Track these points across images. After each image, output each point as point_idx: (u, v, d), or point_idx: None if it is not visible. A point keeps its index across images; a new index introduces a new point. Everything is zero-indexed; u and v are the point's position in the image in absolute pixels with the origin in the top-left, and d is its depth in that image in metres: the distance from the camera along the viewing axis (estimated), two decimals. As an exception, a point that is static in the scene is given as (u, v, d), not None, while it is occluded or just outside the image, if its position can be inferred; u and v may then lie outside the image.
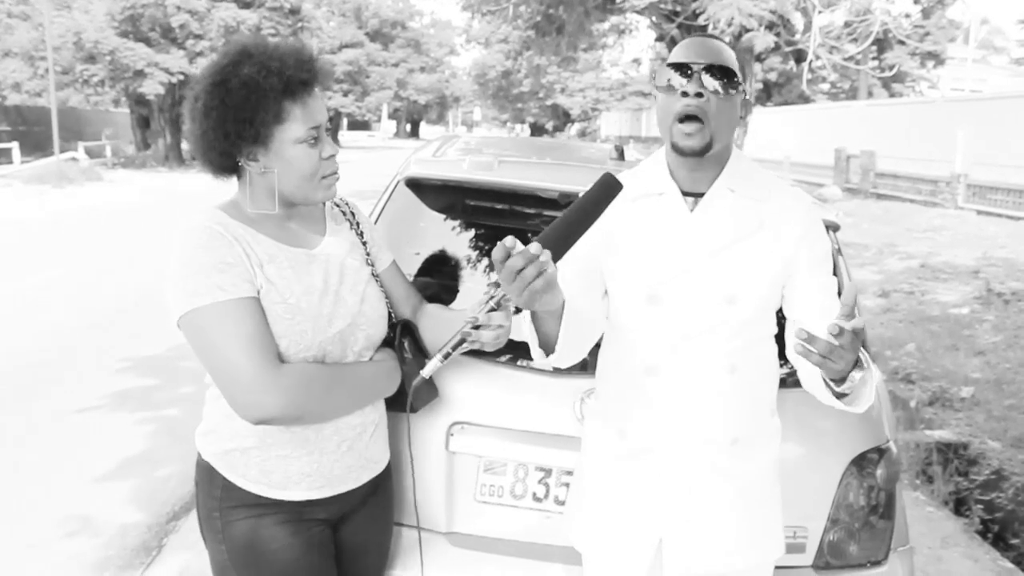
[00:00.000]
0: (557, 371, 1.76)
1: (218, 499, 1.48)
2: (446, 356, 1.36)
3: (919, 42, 25.98)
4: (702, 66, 1.38)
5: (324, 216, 1.60)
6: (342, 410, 1.50)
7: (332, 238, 1.56)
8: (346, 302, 1.50)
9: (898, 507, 1.86)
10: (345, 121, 54.83)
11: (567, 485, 1.82)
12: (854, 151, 20.34)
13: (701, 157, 1.41)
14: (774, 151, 23.42)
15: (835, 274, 1.55)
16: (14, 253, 9.32)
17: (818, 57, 16.73)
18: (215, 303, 1.34)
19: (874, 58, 28.83)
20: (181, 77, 23.39)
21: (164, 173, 22.83)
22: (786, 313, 1.50)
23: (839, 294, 1.46)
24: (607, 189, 1.26)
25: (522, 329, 1.41)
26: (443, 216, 2.22)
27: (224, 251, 1.38)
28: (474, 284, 2.12)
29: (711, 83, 1.38)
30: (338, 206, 1.66)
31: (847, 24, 16.87)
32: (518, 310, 1.37)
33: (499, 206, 2.18)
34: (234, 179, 1.49)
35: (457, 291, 2.11)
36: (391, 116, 63.59)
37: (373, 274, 1.61)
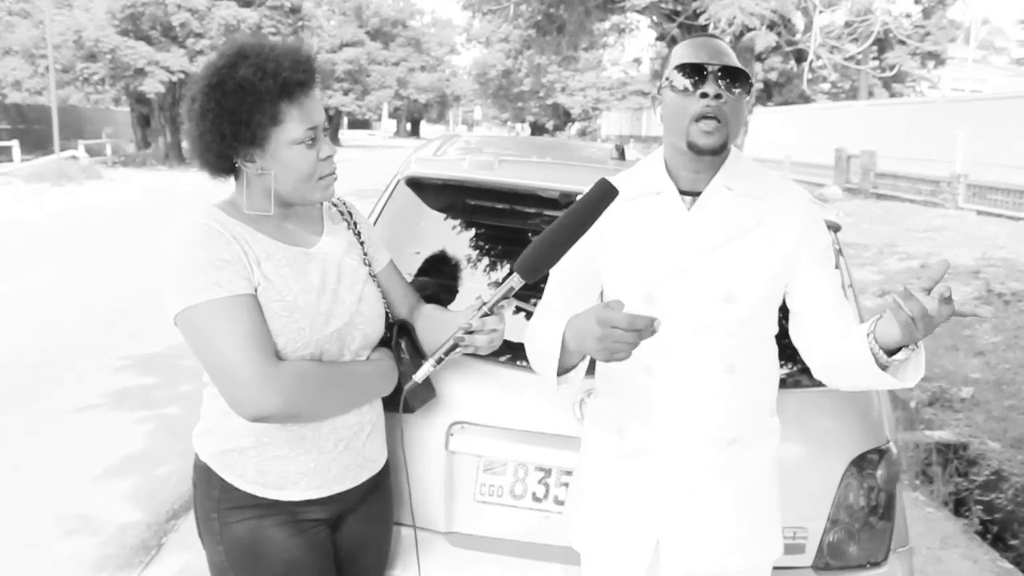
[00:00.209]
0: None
1: (216, 500, 1.48)
2: (439, 361, 1.36)
3: (920, 42, 25.98)
4: (717, 67, 1.39)
5: (321, 215, 1.59)
6: (339, 409, 1.49)
7: (329, 237, 1.56)
8: (344, 301, 1.50)
9: (898, 508, 1.86)
10: (345, 120, 54.87)
11: (567, 485, 1.82)
12: (854, 151, 20.33)
13: (717, 156, 1.42)
14: (774, 151, 23.42)
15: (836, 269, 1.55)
16: (14, 252, 9.32)
17: (819, 57, 16.74)
18: (212, 300, 1.34)
19: (875, 58, 28.82)
20: (182, 76, 23.43)
21: (164, 172, 22.83)
22: (791, 307, 1.50)
23: (842, 290, 1.46)
24: (603, 195, 1.27)
25: (538, 358, 1.42)
26: (443, 215, 2.22)
27: (221, 248, 1.37)
28: (474, 284, 2.12)
29: (727, 84, 1.39)
30: (335, 206, 1.66)
31: (848, 24, 16.89)
32: (517, 311, 1.37)
33: (499, 205, 2.18)
34: (233, 178, 1.49)
35: (457, 291, 2.10)
36: (391, 115, 63.57)
37: (371, 274, 1.61)
